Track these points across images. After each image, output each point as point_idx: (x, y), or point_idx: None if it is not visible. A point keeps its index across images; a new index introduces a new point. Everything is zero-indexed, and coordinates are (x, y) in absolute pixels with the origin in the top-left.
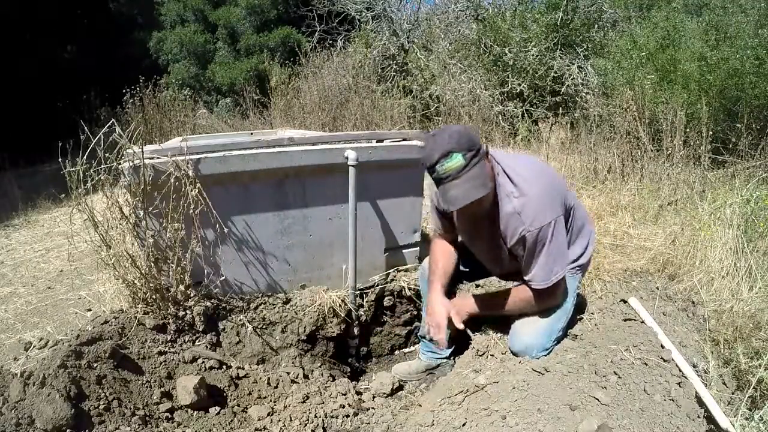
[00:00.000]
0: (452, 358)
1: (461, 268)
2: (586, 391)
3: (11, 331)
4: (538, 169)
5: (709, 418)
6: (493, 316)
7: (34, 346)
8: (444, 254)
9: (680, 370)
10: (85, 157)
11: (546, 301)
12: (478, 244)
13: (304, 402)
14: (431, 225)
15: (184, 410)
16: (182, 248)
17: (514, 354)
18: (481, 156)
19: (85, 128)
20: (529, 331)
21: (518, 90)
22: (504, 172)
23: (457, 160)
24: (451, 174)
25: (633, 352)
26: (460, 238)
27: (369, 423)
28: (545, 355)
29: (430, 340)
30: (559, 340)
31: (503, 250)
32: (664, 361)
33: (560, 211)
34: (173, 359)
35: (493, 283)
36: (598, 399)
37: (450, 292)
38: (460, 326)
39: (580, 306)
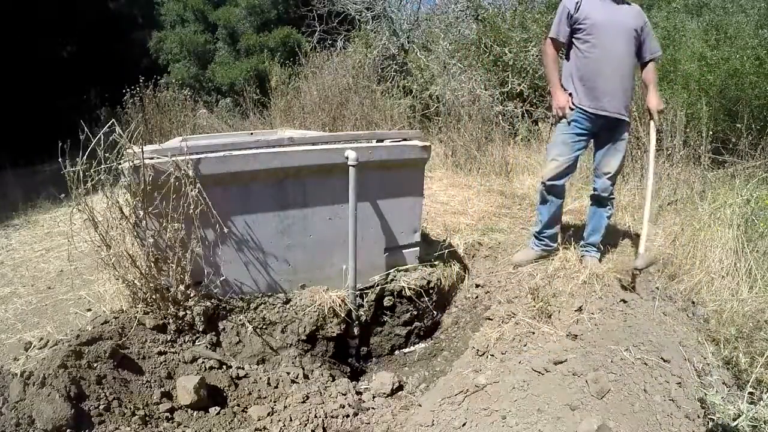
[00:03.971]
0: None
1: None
2: (586, 391)
3: (11, 331)
4: None
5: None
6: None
7: (34, 346)
8: (556, 60)
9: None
10: (85, 157)
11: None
12: (608, 41)
13: (304, 402)
14: (551, 33)
15: (184, 410)
16: (182, 248)
17: (598, 195)
18: None
19: (85, 128)
20: (609, 176)
21: (518, 90)
22: None
23: None
24: None
25: (633, 352)
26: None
27: (369, 423)
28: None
29: (561, 118)
30: None
31: (625, 43)
32: (664, 361)
33: None
34: (173, 359)
35: None
36: (597, 399)
37: None
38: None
39: (581, 307)
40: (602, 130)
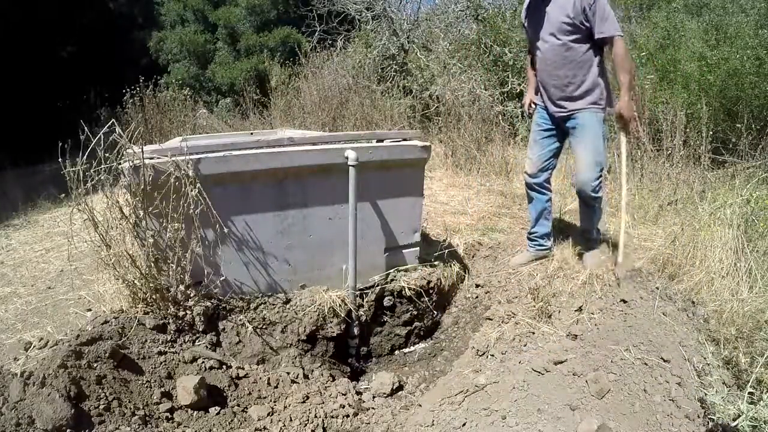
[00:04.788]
0: (552, 249)
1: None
2: (586, 391)
3: (11, 331)
4: None
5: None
6: None
7: (34, 346)
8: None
9: None
10: (85, 157)
11: (623, 52)
12: (539, 43)
13: (304, 402)
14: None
15: (184, 410)
16: (182, 248)
17: (579, 193)
18: None
19: (85, 128)
20: (581, 169)
21: (518, 90)
22: None
23: None
24: None
25: (633, 352)
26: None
27: (369, 423)
28: (598, 185)
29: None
30: (601, 171)
31: (554, 39)
32: (664, 361)
33: None
34: (173, 359)
35: None
36: (597, 399)
37: None
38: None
39: (581, 307)
40: (564, 128)
